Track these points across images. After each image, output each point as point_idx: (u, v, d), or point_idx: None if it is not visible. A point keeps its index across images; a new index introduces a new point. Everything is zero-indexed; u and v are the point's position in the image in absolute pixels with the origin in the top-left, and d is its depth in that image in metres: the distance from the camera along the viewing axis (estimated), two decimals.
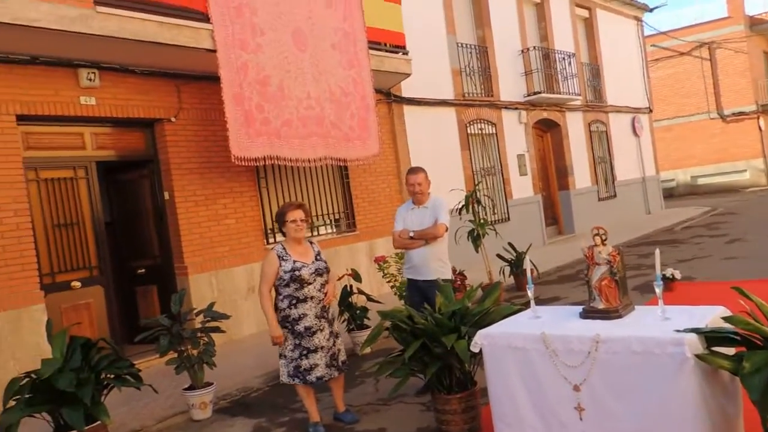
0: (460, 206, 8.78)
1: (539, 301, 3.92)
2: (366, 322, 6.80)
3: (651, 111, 20.32)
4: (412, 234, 5.19)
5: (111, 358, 4.41)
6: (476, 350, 3.62)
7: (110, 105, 6.79)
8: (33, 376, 4.05)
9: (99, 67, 6.64)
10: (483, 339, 3.60)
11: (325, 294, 4.47)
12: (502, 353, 3.50)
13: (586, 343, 3.15)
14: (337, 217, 9.72)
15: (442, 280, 4.96)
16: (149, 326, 5.23)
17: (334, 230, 9.66)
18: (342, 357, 4.59)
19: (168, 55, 6.75)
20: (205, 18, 6.79)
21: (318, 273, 4.44)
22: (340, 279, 7.95)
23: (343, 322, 6.68)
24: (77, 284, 6.70)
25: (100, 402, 4.19)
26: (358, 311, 6.76)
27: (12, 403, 3.97)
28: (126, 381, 4.38)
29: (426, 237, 5.14)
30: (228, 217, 7.98)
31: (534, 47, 14.41)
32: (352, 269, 7.21)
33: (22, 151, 6.16)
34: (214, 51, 6.85)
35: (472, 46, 12.86)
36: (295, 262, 4.37)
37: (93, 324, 6.77)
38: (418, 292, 5.28)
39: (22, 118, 6.13)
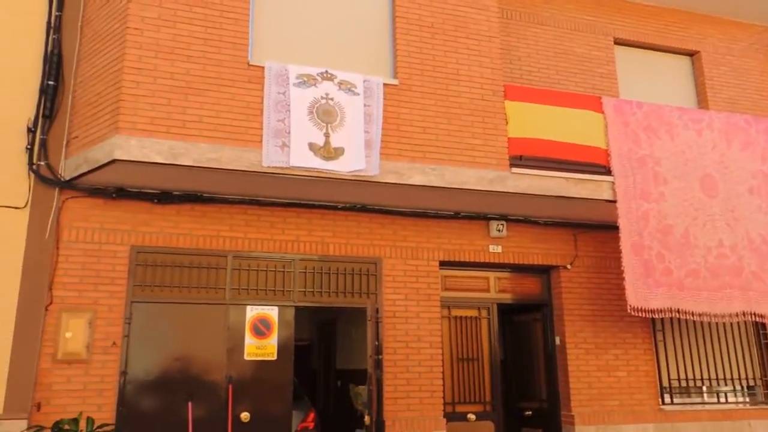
0: None
1: None
2: None
3: None
4: None
5: None
6: None
7: (513, 252, 7.42)
8: None
9: (506, 219, 7.41)
10: None
11: None
12: None
13: None
14: (750, 383, 8.24)
15: None
16: None
17: (747, 399, 8.15)
18: None
19: (568, 206, 7.12)
20: (607, 171, 7.01)
21: None
22: None
23: None
24: (472, 417, 7.16)
25: None
26: None
27: None
28: None
29: None
30: (619, 369, 7.57)
31: None
32: None
33: (441, 292, 7.13)
34: (614, 201, 6.95)
35: None
36: None
37: None
38: None
39: (443, 264, 7.18)
